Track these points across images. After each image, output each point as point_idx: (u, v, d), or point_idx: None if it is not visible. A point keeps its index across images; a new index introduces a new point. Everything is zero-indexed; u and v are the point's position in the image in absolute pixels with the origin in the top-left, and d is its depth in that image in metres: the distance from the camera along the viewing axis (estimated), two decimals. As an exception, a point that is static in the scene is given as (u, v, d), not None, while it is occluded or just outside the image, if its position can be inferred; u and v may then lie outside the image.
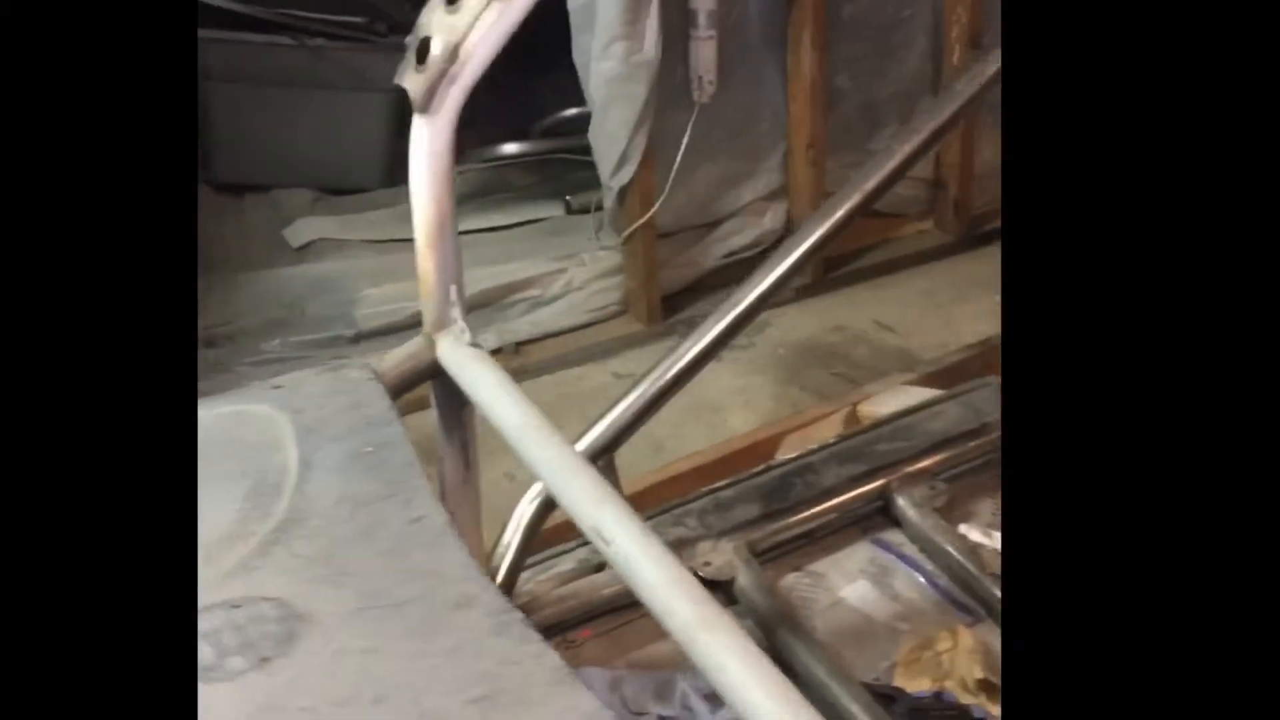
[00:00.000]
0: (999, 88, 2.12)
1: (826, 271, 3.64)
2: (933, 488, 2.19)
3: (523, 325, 3.36)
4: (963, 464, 2.25)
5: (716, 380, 3.16)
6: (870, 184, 2.01)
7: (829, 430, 2.55)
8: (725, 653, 1.00)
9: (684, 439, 2.91)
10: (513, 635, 1.07)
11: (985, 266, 3.78)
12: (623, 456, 1.94)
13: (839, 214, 2.00)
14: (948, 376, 2.74)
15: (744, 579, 1.96)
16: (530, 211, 3.78)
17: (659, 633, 1.06)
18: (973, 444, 2.26)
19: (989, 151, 3.72)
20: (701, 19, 3.19)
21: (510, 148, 4.06)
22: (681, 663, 1.80)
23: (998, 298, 2.77)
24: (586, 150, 3.32)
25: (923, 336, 3.43)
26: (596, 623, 1.98)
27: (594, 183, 3.39)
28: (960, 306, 3.53)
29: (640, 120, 3.14)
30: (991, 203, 3.77)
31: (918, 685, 1.89)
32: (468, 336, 1.42)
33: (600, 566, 1.97)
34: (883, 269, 3.77)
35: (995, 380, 2.42)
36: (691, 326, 2.03)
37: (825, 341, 3.47)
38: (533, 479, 1.77)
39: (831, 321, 3.55)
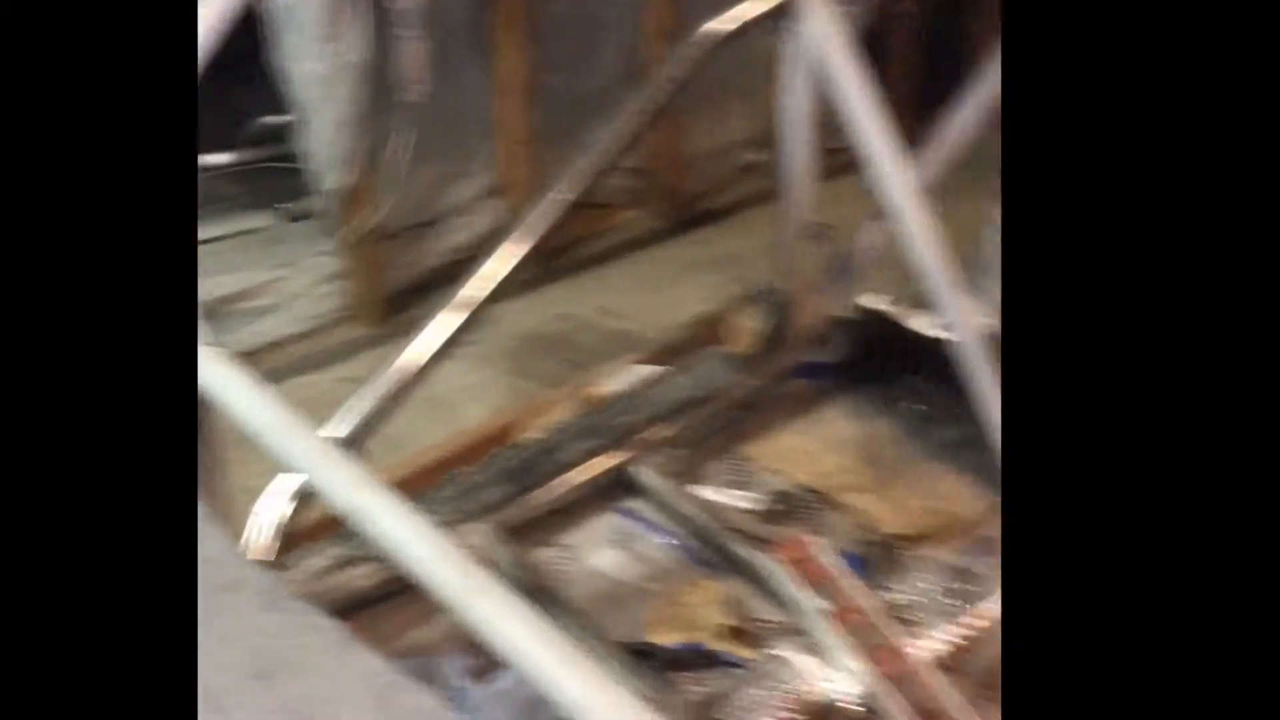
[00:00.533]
0: (700, 76, 2.25)
1: (548, 263, 3.71)
2: (669, 454, 2.28)
3: (245, 336, 3.29)
4: (696, 430, 2.36)
5: (448, 378, 3.17)
6: (583, 176, 2.08)
7: (564, 413, 2.61)
8: (501, 615, 1.05)
9: (420, 438, 2.91)
10: (286, 610, 1.08)
11: (698, 249, 3.96)
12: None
13: (555, 207, 2.07)
14: (672, 353, 2.85)
15: (500, 557, 2.00)
16: (242, 222, 3.70)
17: (418, 619, 1.10)
18: (703, 410, 2.37)
19: (696, 139, 3.88)
20: (406, 19, 3.20)
21: (215, 159, 3.95)
22: (443, 647, 1.84)
23: (712, 277, 2.89)
24: (294, 156, 3.28)
25: (645, 319, 3.54)
26: (354, 617, 1.97)
27: (307, 188, 3.35)
28: (678, 288, 3.68)
29: (350, 122, 3.12)
30: (699, 189, 3.93)
31: (670, 639, 1.98)
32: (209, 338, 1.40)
33: (353, 561, 1.96)
34: (602, 258, 3.87)
35: (719, 351, 2.54)
36: (419, 327, 2.05)
37: (552, 331, 3.55)
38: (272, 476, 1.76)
39: (556, 311, 3.63)
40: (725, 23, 2.15)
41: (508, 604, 1.06)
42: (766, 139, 3.99)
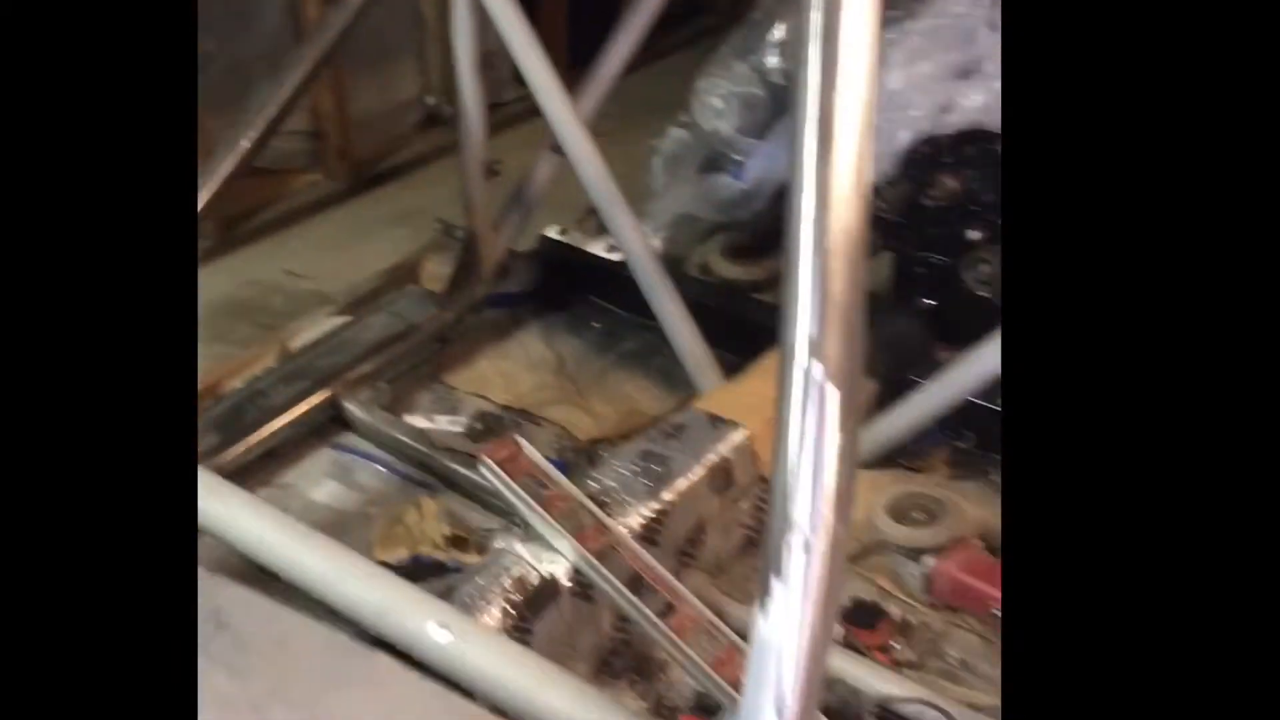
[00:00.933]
0: (366, 33, 2.33)
1: (228, 231, 3.69)
2: (376, 389, 2.40)
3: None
4: (399, 364, 2.48)
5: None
6: (247, 142, 2.14)
7: (266, 364, 2.67)
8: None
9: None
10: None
11: (378, 208, 4.02)
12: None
13: (220, 174, 2.12)
14: (365, 303, 2.95)
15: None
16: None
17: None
18: (403, 345, 2.49)
19: (364, 99, 3.93)
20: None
21: None
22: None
23: (397, 231, 2.94)
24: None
25: (333, 278, 3.58)
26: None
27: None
28: (361, 246, 3.73)
29: None
30: (373, 148, 4.00)
31: (396, 555, 2.11)
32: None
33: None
34: (283, 222, 3.88)
35: (415, 289, 2.66)
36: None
37: (242, 297, 3.54)
38: None
39: (243, 278, 3.62)
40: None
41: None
42: (441, 92, 4.12)
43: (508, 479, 1.92)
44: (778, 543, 0.97)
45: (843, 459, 0.95)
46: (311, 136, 3.96)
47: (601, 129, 2.45)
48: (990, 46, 2.32)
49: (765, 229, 2.84)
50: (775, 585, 0.98)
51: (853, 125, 0.96)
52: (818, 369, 0.94)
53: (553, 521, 1.87)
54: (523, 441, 1.99)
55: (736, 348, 2.35)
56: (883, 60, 2.39)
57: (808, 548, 0.96)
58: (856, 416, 0.96)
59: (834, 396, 0.94)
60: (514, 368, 2.57)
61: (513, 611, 1.80)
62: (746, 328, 2.42)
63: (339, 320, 2.85)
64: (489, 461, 1.95)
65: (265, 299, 3.55)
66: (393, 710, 1.31)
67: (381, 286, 3.15)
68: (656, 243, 2.82)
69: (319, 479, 2.27)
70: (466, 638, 1.46)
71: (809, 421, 0.95)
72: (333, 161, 3.99)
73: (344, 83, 3.86)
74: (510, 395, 2.50)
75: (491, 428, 2.38)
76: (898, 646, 1.95)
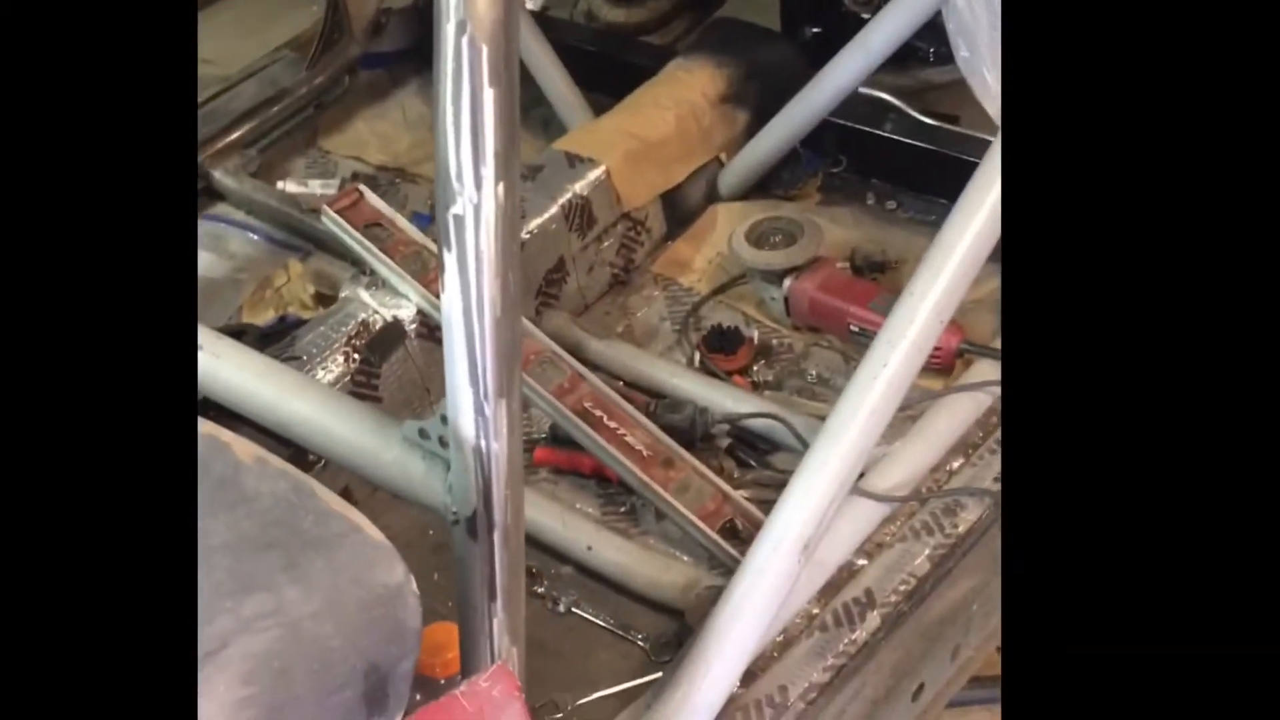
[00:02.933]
0: None
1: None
2: (245, 156, 2.36)
3: None
4: (270, 130, 2.43)
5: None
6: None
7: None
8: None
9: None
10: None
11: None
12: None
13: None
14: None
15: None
16: None
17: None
18: (275, 110, 2.44)
19: None
20: None
21: None
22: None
23: (310, 9, 2.81)
24: None
25: (242, 62, 3.51)
26: None
27: None
28: (273, 28, 3.60)
29: None
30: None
31: (264, 318, 2.11)
32: None
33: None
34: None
35: (288, 54, 2.59)
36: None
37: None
38: None
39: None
40: None
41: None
42: None
43: (347, 226, 1.91)
44: (444, 214, 0.95)
45: (500, 115, 0.92)
46: (213, -84, 3.82)
47: None
48: None
49: (649, -33, 2.74)
50: (447, 259, 0.96)
51: None
52: (466, 23, 0.90)
53: (394, 265, 1.86)
54: (365, 189, 1.97)
55: (621, 92, 2.29)
56: None
57: (476, 214, 0.94)
58: (511, 73, 0.92)
59: (482, 51, 0.90)
60: (391, 128, 2.52)
61: (355, 356, 1.81)
62: (629, 71, 2.37)
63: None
64: (329, 210, 1.94)
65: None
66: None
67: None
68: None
69: (190, 248, 2.26)
70: (223, 356, 1.46)
71: (462, 80, 0.91)
72: (237, -58, 3.85)
73: None
74: (387, 155, 2.46)
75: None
76: (757, 369, 1.96)
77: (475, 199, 0.94)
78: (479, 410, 1.01)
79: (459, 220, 0.95)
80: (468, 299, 0.97)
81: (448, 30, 0.91)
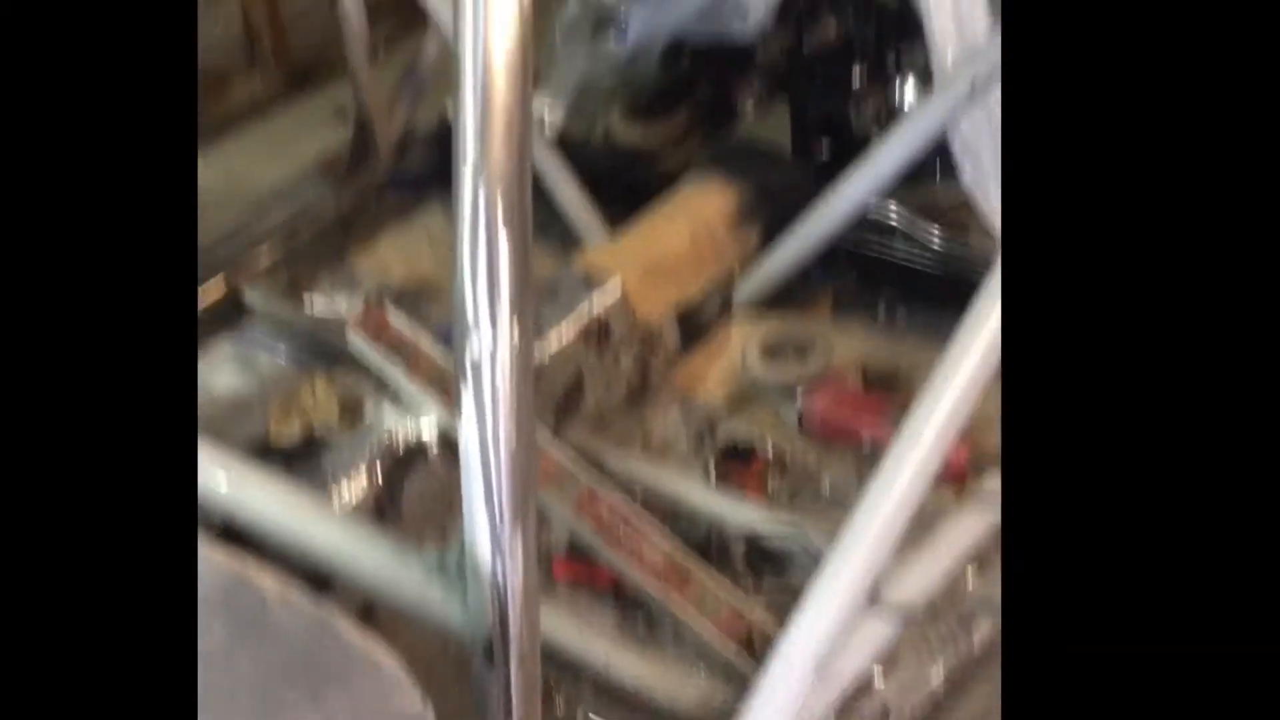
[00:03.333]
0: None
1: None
2: (273, 275, 2.44)
3: None
4: (299, 249, 2.51)
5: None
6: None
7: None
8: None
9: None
10: None
11: (318, 104, 4.03)
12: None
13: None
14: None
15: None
16: None
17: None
18: (304, 230, 2.52)
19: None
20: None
21: None
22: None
23: (336, 126, 2.87)
24: None
25: (273, 179, 3.61)
26: None
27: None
28: (304, 144, 3.73)
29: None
30: (310, 46, 3.98)
31: (289, 435, 2.15)
32: None
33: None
34: (221, 127, 3.88)
35: (316, 174, 2.68)
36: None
37: (181, 204, 3.58)
38: None
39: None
40: None
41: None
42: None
43: (372, 345, 1.97)
44: (461, 353, 1.00)
45: (514, 257, 0.97)
46: (245, 39, 3.96)
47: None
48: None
49: (663, 90, 2.83)
50: (464, 395, 1.01)
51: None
52: (481, 170, 0.95)
53: (417, 383, 1.91)
54: (389, 308, 2.03)
55: (636, 209, 2.36)
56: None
57: (493, 351, 0.99)
58: (524, 216, 0.98)
59: (497, 196, 0.96)
60: (415, 246, 2.59)
61: (379, 474, 1.85)
62: (645, 189, 2.44)
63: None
64: (354, 329, 1.99)
65: (200, 206, 3.58)
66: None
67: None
68: (558, 110, 2.82)
69: (219, 368, 2.32)
70: (248, 484, 1.50)
71: (479, 224, 0.97)
72: (268, 62, 3.99)
73: (271, -17, 3.84)
74: (411, 274, 2.53)
75: (391, 305, 2.41)
76: (773, 482, 1.99)
77: (491, 337, 0.98)
78: (495, 540, 1.05)
79: (475, 358, 0.99)
80: (484, 434, 1.01)
81: (464, 173, 0.97)
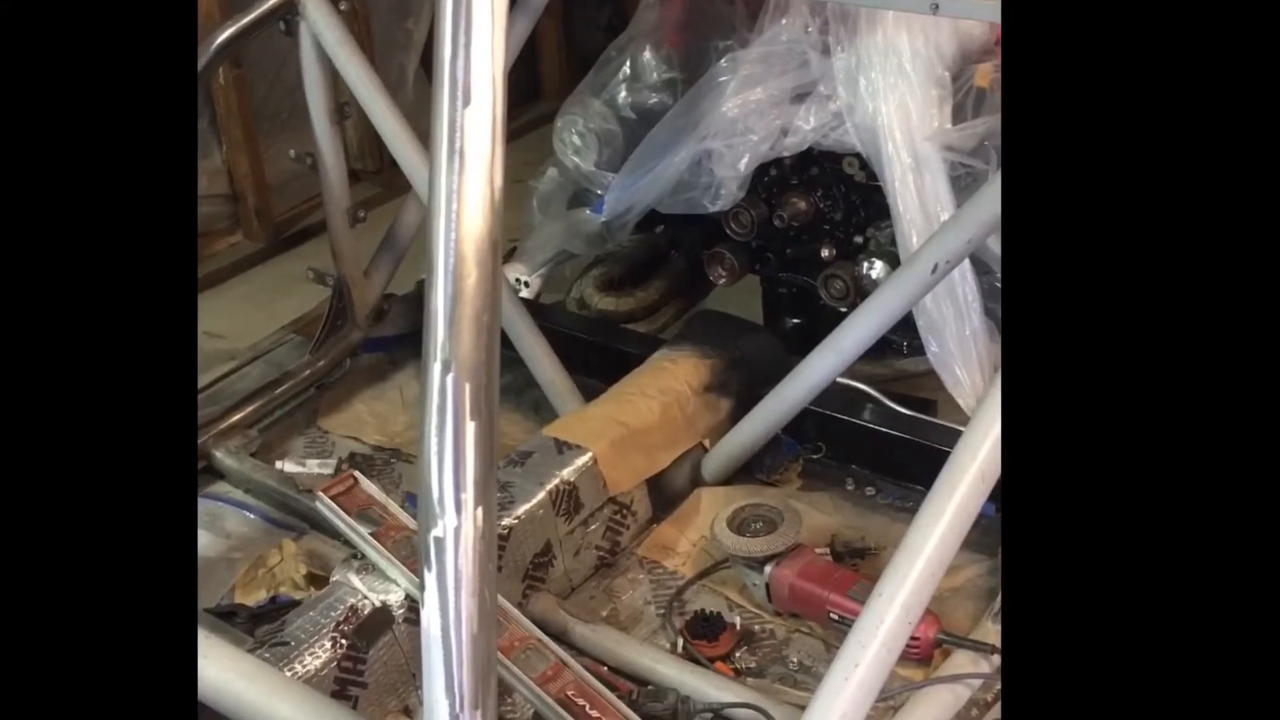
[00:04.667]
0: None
1: (147, 296, 3.76)
2: (246, 436, 2.45)
3: None
4: (273, 411, 2.53)
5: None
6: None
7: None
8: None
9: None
10: None
11: (297, 265, 4.10)
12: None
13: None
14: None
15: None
16: None
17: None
18: (278, 392, 2.54)
19: (281, 160, 4.02)
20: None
21: None
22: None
23: (315, 286, 2.93)
24: None
25: (251, 335, 3.65)
26: None
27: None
28: (281, 302, 3.80)
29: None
30: (291, 209, 4.08)
31: (255, 598, 2.15)
32: None
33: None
34: (204, 283, 3.94)
35: (293, 337, 2.72)
36: None
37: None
38: None
39: (162, 341, 3.69)
40: (226, 28, 2.34)
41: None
42: (357, 150, 4.20)
43: (341, 512, 1.97)
44: (426, 536, 1.01)
45: (479, 447, 1.00)
46: (230, 199, 4.04)
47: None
48: (821, 70, 2.38)
49: (638, 260, 2.90)
50: (428, 578, 1.02)
51: (482, 136, 1.02)
52: (450, 363, 0.98)
53: (384, 550, 1.91)
54: (358, 475, 2.04)
55: (610, 377, 2.40)
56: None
57: (456, 537, 1.00)
58: (490, 407, 1.00)
59: (465, 388, 0.98)
60: (388, 409, 2.62)
61: (343, 641, 1.84)
62: (618, 357, 2.49)
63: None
64: (323, 496, 2.00)
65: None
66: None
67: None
68: (536, 279, 2.89)
69: (187, 527, 2.31)
70: (210, 656, 1.49)
71: (446, 414, 0.99)
72: (252, 223, 4.07)
73: (259, 145, 3.95)
74: (384, 435, 2.54)
75: (361, 468, 2.42)
76: (740, 654, 1.98)
77: (455, 523, 1.00)
78: (454, 722, 1.05)
79: (439, 542, 1.01)
80: (445, 616, 1.02)
81: (434, 369, 0.99)
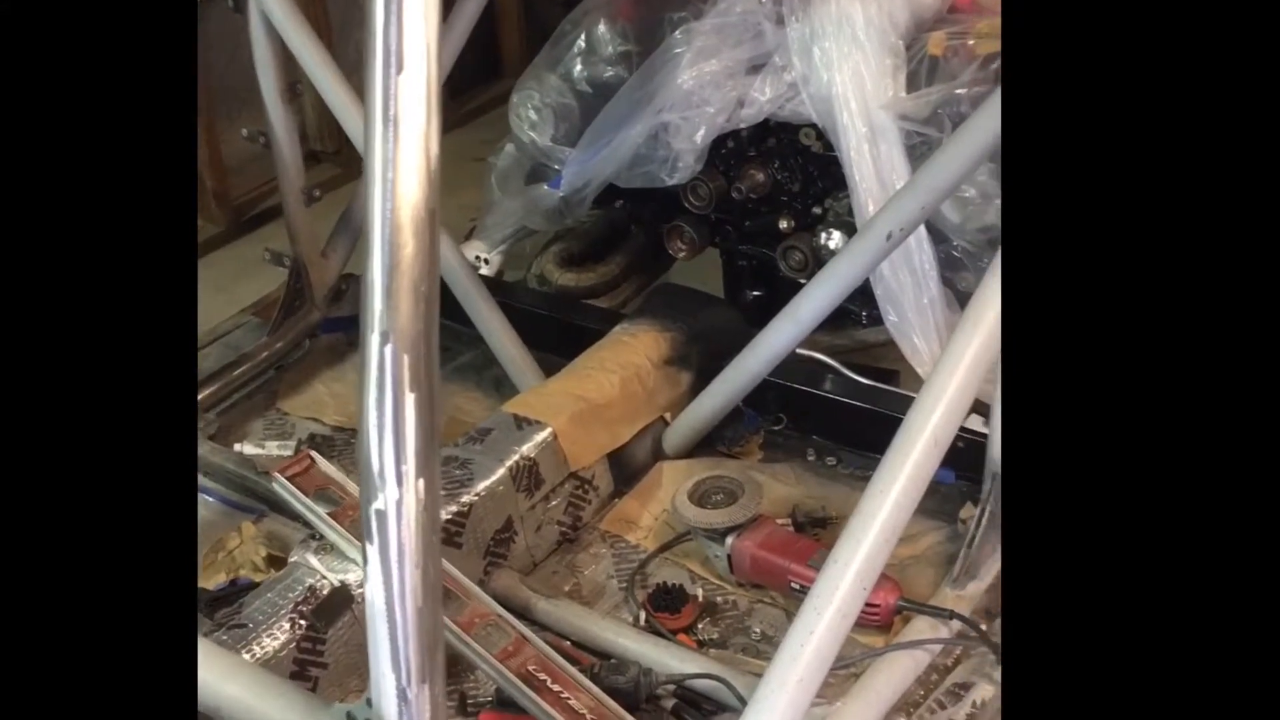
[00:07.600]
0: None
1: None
2: (204, 419, 2.43)
3: None
4: (231, 394, 2.51)
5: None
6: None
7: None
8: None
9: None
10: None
11: (257, 246, 4.06)
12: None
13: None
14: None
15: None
16: None
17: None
18: (236, 374, 2.52)
19: (238, 142, 3.98)
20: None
21: None
22: None
23: (276, 268, 2.92)
24: None
25: (212, 319, 3.61)
26: None
27: None
28: (243, 285, 3.76)
29: None
30: (250, 191, 4.04)
31: (215, 580, 2.13)
32: None
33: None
34: (163, 269, 3.91)
35: (251, 319, 2.70)
36: None
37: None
38: None
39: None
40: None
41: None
42: (317, 130, 4.17)
43: (297, 492, 1.96)
44: (367, 509, 1.01)
45: (420, 418, 0.99)
46: (188, 183, 4.00)
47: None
48: (776, 40, 2.37)
49: (598, 235, 2.89)
50: (370, 551, 1.01)
51: (417, 102, 1.00)
52: (388, 334, 0.97)
53: (342, 530, 1.90)
54: (315, 456, 2.02)
55: (571, 353, 2.39)
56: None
57: (398, 509, 0.99)
58: (430, 378, 1.00)
59: (404, 359, 0.97)
60: (348, 389, 2.60)
61: (302, 622, 1.83)
62: (578, 333, 2.48)
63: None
64: (279, 476, 1.99)
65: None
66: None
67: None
68: (496, 256, 2.87)
69: (146, 511, 2.29)
70: None
71: (385, 385, 0.98)
72: (211, 205, 4.03)
73: (216, 127, 3.91)
74: (343, 416, 2.53)
75: (321, 449, 2.40)
76: (701, 627, 1.98)
77: (397, 495, 0.99)
78: (402, 697, 1.04)
79: (381, 515, 1.00)
80: (389, 589, 1.01)
81: (372, 340, 0.98)
